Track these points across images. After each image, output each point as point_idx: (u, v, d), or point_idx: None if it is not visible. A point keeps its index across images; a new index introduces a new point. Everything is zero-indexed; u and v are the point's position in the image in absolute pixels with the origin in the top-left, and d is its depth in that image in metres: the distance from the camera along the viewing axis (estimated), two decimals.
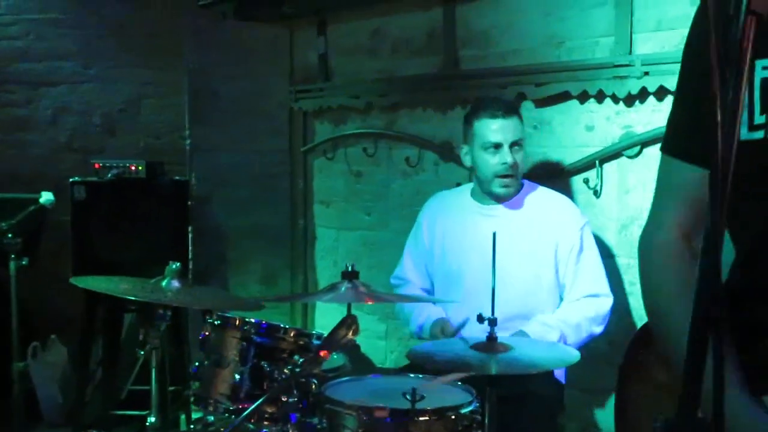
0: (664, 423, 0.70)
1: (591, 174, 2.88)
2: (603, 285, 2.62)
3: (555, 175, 2.98)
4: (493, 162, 2.61)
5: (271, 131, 4.10)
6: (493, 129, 2.60)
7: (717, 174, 0.70)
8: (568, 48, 2.95)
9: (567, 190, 2.94)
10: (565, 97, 2.94)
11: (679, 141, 1.16)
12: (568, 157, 2.96)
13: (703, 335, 0.69)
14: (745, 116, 1.00)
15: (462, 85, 3.28)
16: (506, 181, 2.62)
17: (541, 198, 2.73)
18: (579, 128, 2.94)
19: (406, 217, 3.21)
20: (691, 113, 1.12)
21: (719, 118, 0.69)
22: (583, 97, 2.89)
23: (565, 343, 2.50)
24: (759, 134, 0.99)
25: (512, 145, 2.60)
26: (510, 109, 2.65)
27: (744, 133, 1.00)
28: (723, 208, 0.70)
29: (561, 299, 2.67)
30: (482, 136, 2.62)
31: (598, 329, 2.59)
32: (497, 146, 2.60)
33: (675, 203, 1.18)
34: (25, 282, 2.89)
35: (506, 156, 2.59)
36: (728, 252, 1.15)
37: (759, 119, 1.00)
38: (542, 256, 2.62)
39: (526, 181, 2.78)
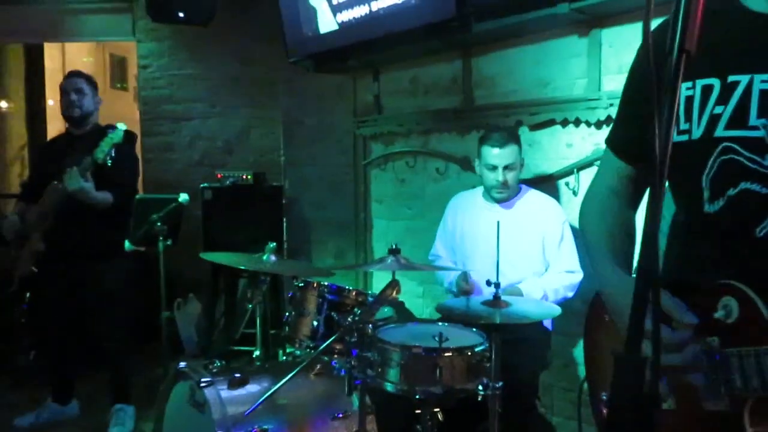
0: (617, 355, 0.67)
1: (571, 179, 2.82)
2: (576, 264, 2.56)
3: (544, 180, 2.91)
4: (491, 177, 2.57)
5: (341, 150, 4.09)
6: (493, 155, 2.55)
7: (656, 172, 0.66)
8: (553, 87, 2.89)
9: (553, 191, 2.87)
10: (551, 123, 2.88)
11: (617, 142, 1.13)
12: (554, 166, 2.90)
13: (644, 296, 0.66)
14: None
15: (476, 116, 3.23)
16: (499, 191, 2.59)
17: (534, 198, 2.67)
18: (561, 145, 2.87)
19: (437, 211, 3.17)
20: (627, 125, 1.09)
21: (657, 130, 0.66)
22: (564, 123, 2.83)
23: (546, 299, 2.45)
24: (684, 137, 0.96)
25: (505, 167, 2.55)
26: (507, 141, 2.54)
27: (674, 137, 0.97)
28: (660, 197, 0.67)
29: (545, 267, 2.62)
30: (485, 158, 2.58)
31: (570, 294, 2.54)
32: (494, 168, 2.55)
33: (606, 174, 1.17)
34: (170, 257, 2.93)
35: (499, 176, 2.55)
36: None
37: (684, 126, 0.96)
38: (533, 241, 2.57)
39: (523, 185, 2.72)
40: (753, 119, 0.89)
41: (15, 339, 3.82)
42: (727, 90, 0.91)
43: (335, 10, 3.41)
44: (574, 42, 2.76)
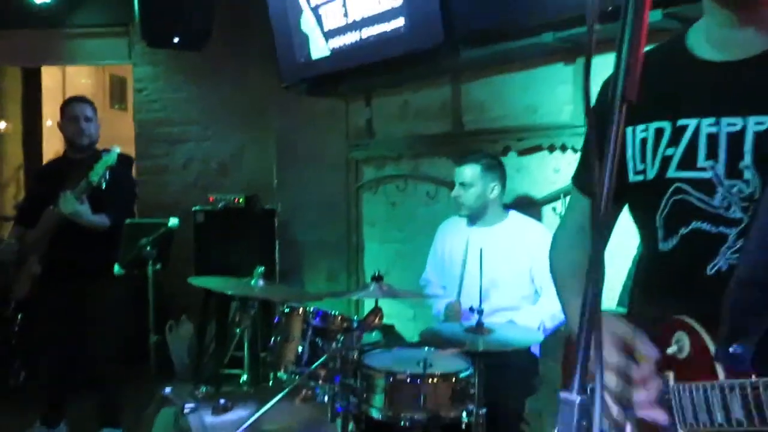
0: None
1: (558, 204, 2.84)
2: None
3: (532, 205, 2.94)
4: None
5: (333, 173, 4.12)
6: (456, 172, 2.67)
7: (596, 214, 0.69)
8: (541, 113, 2.92)
9: (540, 215, 2.90)
10: (538, 148, 2.91)
11: (580, 179, 1.17)
12: (542, 191, 2.92)
13: (589, 331, 0.68)
14: (631, 165, 1.00)
15: (465, 141, 3.26)
16: (459, 207, 2.70)
17: (520, 222, 2.69)
18: (549, 171, 2.90)
19: (428, 234, 3.19)
20: (587, 161, 1.13)
21: (597, 175, 0.69)
22: (551, 149, 2.86)
23: (544, 327, 2.46)
24: (639, 177, 0.99)
25: (461, 184, 2.64)
26: (466, 160, 2.66)
27: (631, 177, 1.01)
28: (600, 234, 0.70)
29: (538, 295, 2.63)
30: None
31: None
32: (456, 183, 2.66)
33: (574, 213, 1.20)
34: (162, 278, 2.95)
35: (456, 190, 2.66)
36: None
37: (639, 166, 0.99)
38: (520, 265, 2.58)
39: (510, 210, 2.75)
40: (701, 161, 0.92)
41: (5, 361, 3.82)
42: (677, 133, 0.95)
43: (327, 36, 3.48)
44: (560, 69, 2.80)
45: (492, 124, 3.14)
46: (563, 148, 2.81)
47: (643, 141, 0.98)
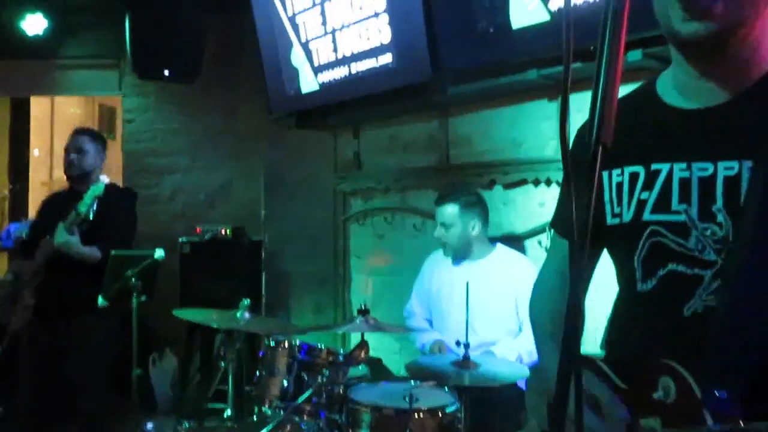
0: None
1: (543, 237, 2.87)
2: None
3: (518, 238, 2.97)
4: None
5: (321, 205, 4.14)
6: (437, 212, 2.70)
7: (575, 260, 0.71)
8: (526, 148, 2.97)
9: (526, 249, 2.93)
10: (524, 182, 2.96)
11: (560, 222, 1.19)
12: (527, 225, 2.95)
13: (567, 378, 0.69)
14: (609, 208, 1.03)
15: (452, 174, 3.30)
16: (443, 246, 2.74)
17: (506, 256, 2.71)
18: (534, 204, 2.94)
19: (414, 267, 3.20)
20: (568, 205, 1.15)
21: (574, 217, 0.71)
22: (536, 183, 2.90)
23: (521, 361, 2.46)
24: (616, 220, 1.02)
25: (442, 224, 2.66)
26: (445, 201, 2.69)
27: (608, 220, 1.03)
28: (578, 276, 0.71)
29: (519, 328, 2.64)
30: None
31: None
32: (438, 223, 2.70)
33: (554, 257, 1.22)
34: (147, 310, 2.92)
35: (438, 231, 2.69)
36: None
37: (616, 210, 1.02)
38: (505, 299, 2.58)
39: (496, 242, 2.78)
40: (675, 204, 0.95)
41: None
42: (651, 177, 0.97)
43: (317, 71, 3.53)
44: (544, 105, 2.86)
45: (478, 157, 3.18)
46: (548, 182, 2.85)
47: (619, 185, 1.01)
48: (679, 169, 0.95)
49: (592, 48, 1.07)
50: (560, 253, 1.17)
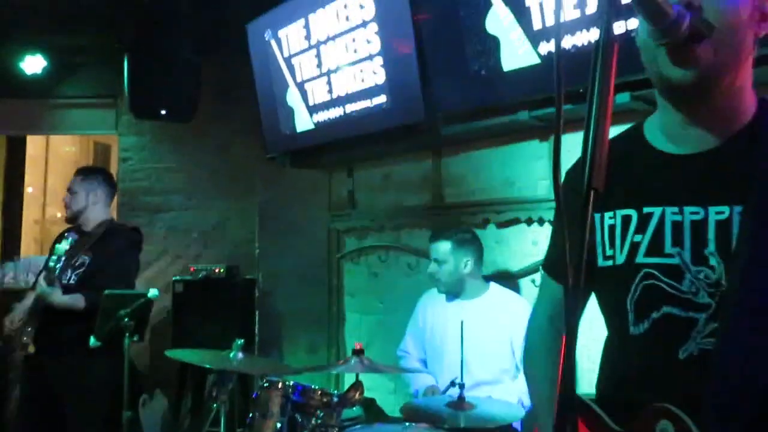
0: None
1: (536, 276, 2.88)
2: None
3: (511, 277, 2.97)
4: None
5: (315, 244, 4.14)
6: (431, 248, 2.73)
7: (569, 299, 0.72)
8: (518, 187, 3.00)
9: (520, 287, 2.93)
10: (516, 221, 2.98)
11: (552, 264, 1.20)
12: (520, 263, 2.96)
13: (563, 426, 0.69)
14: (600, 250, 1.04)
15: (445, 213, 3.32)
16: (435, 283, 2.73)
17: (500, 295, 2.71)
18: (527, 243, 2.95)
19: (409, 305, 3.19)
20: (560, 247, 1.16)
21: (568, 259, 0.72)
22: (529, 222, 2.92)
23: (522, 404, 2.43)
24: (609, 262, 1.02)
25: (435, 260, 2.68)
26: (438, 237, 2.71)
27: (600, 261, 1.04)
28: (575, 318, 0.72)
29: (518, 369, 2.62)
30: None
31: None
32: (431, 260, 2.71)
33: (545, 301, 1.22)
34: (138, 350, 2.89)
35: (432, 267, 2.71)
36: None
37: (609, 252, 1.03)
38: (500, 338, 2.58)
39: (490, 282, 2.78)
40: (668, 247, 0.96)
41: None
42: (644, 220, 0.99)
43: (312, 111, 3.58)
44: (535, 146, 2.91)
45: (471, 197, 3.21)
46: (540, 221, 2.87)
47: (611, 227, 1.02)
48: (671, 213, 0.96)
49: (581, 90, 1.11)
50: (551, 296, 1.17)
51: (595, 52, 0.78)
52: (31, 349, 2.88)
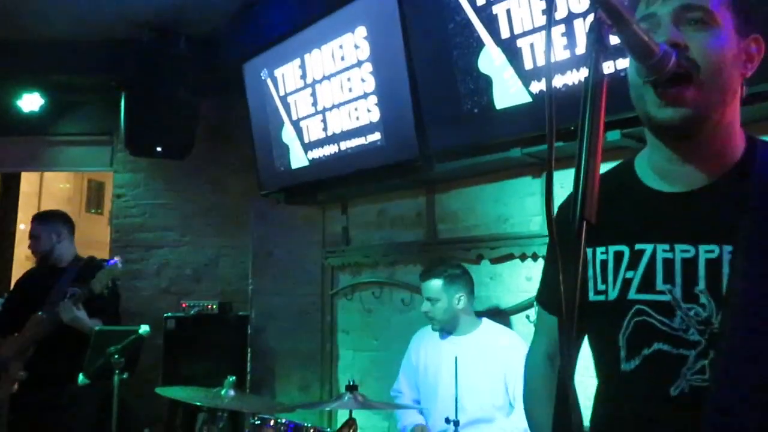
0: None
1: (530, 311, 2.87)
2: None
3: (505, 313, 2.96)
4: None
5: (308, 280, 4.12)
6: (422, 287, 2.71)
7: (564, 334, 0.72)
8: (512, 223, 3.02)
9: (514, 324, 2.92)
10: (510, 257, 2.98)
11: (544, 298, 1.20)
12: (514, 299, 2.96)
13: None
14: (592, 284, 1.04)
15: (439, 249, 3.33)
16: (430, 321, 2.71)
17: (495, 332, 2.70)
18: (521, 279, 2.95)
19: (403, 342, 3.17)
20: (555, 279, 1.17)
21: (562, 292, 0.73)
22: (522, 257, 2.93)
23: None
24: (601, 297, 1.03)
25: (428, 299, 2.68)
26: (429, 276, 2.71)
27: (591, 296, 1.04)
28: (570, 353, 0.72)
29: (512, 406, 2.59)
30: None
31: None
32: (424, 298, 2.71)
33: (542, 337, 1.22)
34: (127, 389, 2.84)
35: (425, 306, 2.69)
36: None
37: (600, 287, 1.03)
38: (494, 374, 2.55)
39: (483, 318, 2.77)
40: (660, 284, 0.97)
41: None
42: (635, 257, 1.00)
43: (306, 148, 3.62)
44: (528, 182, 2.94)
45: (465, 233, 3.22)
46: (534, 257, 2.88)
47: (603, 263, 1.03)
48: (662, 250, 0.97)
49: (572, 128, 1.13)
50: (548, 331, 1.17)
51: (584, 88, 0.81)
52: (16, 386, 2.86)
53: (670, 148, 0.99)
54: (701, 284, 0.93)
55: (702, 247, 0.94)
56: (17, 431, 2.95)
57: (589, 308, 1.03)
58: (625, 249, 1.01)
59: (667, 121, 0.94)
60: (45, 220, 3.29)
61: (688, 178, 0.99)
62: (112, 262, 2.99)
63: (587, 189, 0.76)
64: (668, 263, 0.96)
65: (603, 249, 1.04)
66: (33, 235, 3.24)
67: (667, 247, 0.97)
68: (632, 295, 0.98)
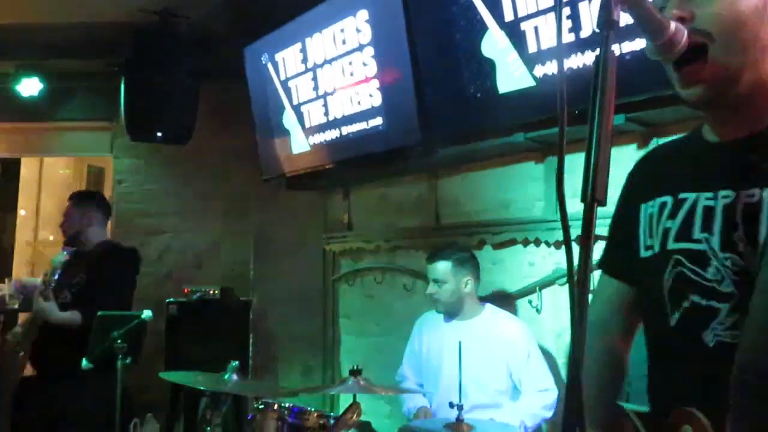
0: None
1: (533, 297, 2.86)
2: (549, 381, 2.54)
3: (508, 298, 2.96)
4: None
5: (310, 266, 4.12)
6: (429, 269, 2.71)
7: (575, 307, 0.72)
8: (514, 209, 3.01)
9: (516, 309, 2.92)
10: (513, 242, 2.97)
11: (608, 262, 1.17)
12: (517, 284, 2.95)
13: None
14: (642, 240, 1.03)
15: (441, 234, 3.32)
16: (434, 303, 2.72)
17: (498, 317, 2.70)
18: (524, 264, 2.95)
19: (405, 327, 3.17)
20: (615, 243, 1.17)
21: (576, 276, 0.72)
22: (525, 243, 2.92)
23: (525, 426, 2.40)
24: (649, 253, 1.02)
25: (434, 280, 2.67)
26: (436, 257, 2.70)
27: (642, 253, 1.03)
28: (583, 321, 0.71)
29: (516, 390, 2.60)
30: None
31: (549, 413, 2.49)
32: (430, 280, 2.70)
33: (597, 306, 1.17)
34: (130, 374, 2.84)
35: (431, 287, 2.69)
36: None
37: (648, 242, 1.02)
38: (497, 359, 2.56)
39: (486, 303, 2.77)
40: (696, 233, 0.95)
41: None
42: (677, 206, 0.99)
43: (308, 133, 3.60)
44: (531, 167, 2.92)
45: (467, 218, 3.21)
46: (537, 242, 2.87)
47: (650, 216, 1.03)
48: (705, 198, 0.95)
49: (576, 112, 1.12)
50: (604, 300, 1.15)
51: (595, 68, 0.80)
52: (23, 370, 2.87)
53: (709, 113, 1.00)
54: (740, 230, 0.90)
55: (743, 192, 0.91)
56: (22, 420, 2.94)
57: (639, 267, 1.02)
58: (669, 199, 1.00)
59: (690, 99, 0.94)
60: (78, 200, 3.20)
61: (734, 131, 0.97)
62: (68, 250, 2.92)
63: (599, 169, 0.75)
64: (709, 211, 0.94)
65: (652, 203, 1.03)
66: (64, 214, 3.16)
67: (710, 195, 0.95)
68: (671, 244, 0.97)
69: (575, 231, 0.74)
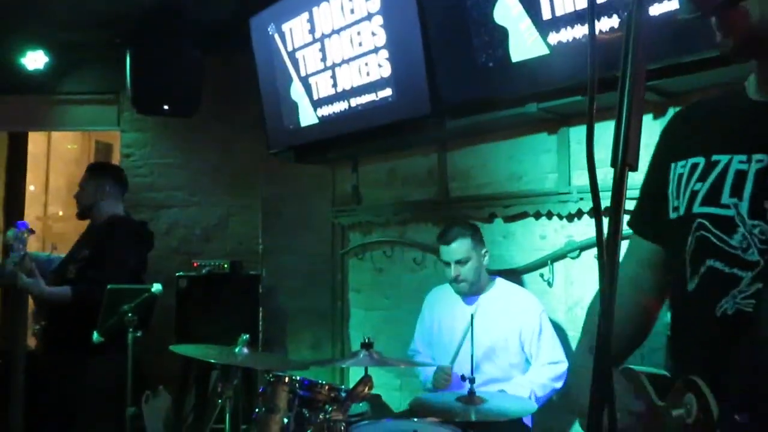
0: None
1: (545, 270, 2.84)
2: (560, 353, 2.53)
3: (519, 271, 2.94)
4: (447, 272, 2.63)
5: (319, 240, 4.11)
6: (443, 251, 2.62)
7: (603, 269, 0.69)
8: (526, 181, 2.97)
9: (528, 282, 2.89)
10: (524, 215, 2.94)
11: (638, 222, 1.13)
12: (528, 258, 2.93)
13: (601, 402, 0.66)
14: (671, 201, 1.00)
15: (451, 208, 3.29)
16: (456, 285, 2.62)
17: (508, 290, 2.68)
18: (535, 237, 2.92)
19: (414, 301, 3.16)
20: (653, 205, 1.10)
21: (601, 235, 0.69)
22: (537, 216, 2.89)
23: (536, 396, 2.40)
24: (675, 215, 0.99)
25: (457, 262, 2.58)
26: (455, 237, 2.61)
27: (670, 214, 1.00)
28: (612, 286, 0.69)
29: (528, 363, 2.59)
30: (440, 254, 2.66)
31: (558, 384, 2.49)
32: (447, 263, 2.61)
33: (627, 265, 1.11)
34: (140, 347, 2.85)
35: (452, 271, 2.59)
36: None
37: (675, 203, 0.99)
38: (509, 333, 2.55)
39: (496, 276, 2.74)
40: (725, 198, 0.91)
41: None
42: (709, 168, 0.94)
43: (316, 105, 3.54)
44: (544, 139, 2.87)
45: (478, 191, 3.17)
46: (549, 215, 2.83)
47: (680, 176, 0.98)
48: (738, 161, 0.91)
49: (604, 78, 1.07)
50: (634, 258, 1.10)
51: (627, 31, 0.76)
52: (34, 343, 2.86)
53: (758, 68, 0.94)
54: None
55: None
56: (35, 395, 2.96)
57: (667, 230, 0.98)
58: (702, 160, 0.95)
59: (726, 54, 0.89)
60: (93, 172, 3.16)
61: None
62: (22, 224, 2.71)
63: (630, 132, 0.71)
64: (740, 175, 0.90)
65: (683, 162, 0.98)
66: (80, 185, 3.12)
67: (744, 158, 0.90)
68: (696, 208, 0.93)
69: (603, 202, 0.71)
